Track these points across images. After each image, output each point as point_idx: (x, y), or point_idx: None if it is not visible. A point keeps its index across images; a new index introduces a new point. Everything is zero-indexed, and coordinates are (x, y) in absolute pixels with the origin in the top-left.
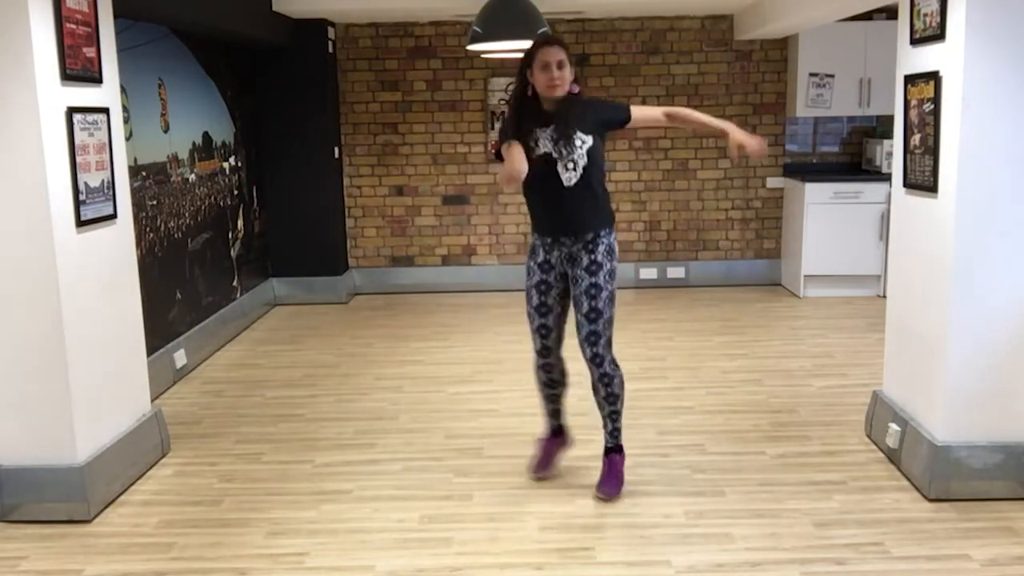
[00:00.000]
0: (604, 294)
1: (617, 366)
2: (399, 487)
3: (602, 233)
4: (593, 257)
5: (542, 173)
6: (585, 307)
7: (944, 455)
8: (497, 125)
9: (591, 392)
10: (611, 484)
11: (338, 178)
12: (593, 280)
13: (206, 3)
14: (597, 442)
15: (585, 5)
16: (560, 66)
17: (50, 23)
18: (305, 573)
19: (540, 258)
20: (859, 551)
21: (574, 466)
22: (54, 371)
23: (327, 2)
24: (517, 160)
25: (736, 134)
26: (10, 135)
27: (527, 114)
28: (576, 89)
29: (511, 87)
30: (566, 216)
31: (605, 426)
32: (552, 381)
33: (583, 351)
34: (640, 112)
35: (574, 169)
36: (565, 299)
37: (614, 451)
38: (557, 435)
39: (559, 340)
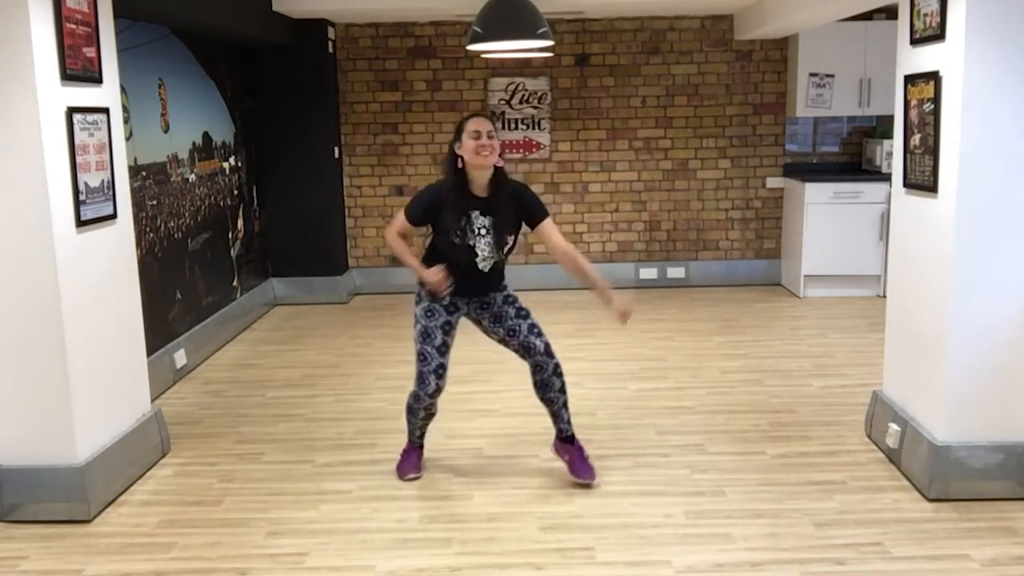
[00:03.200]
0: (531, 313)
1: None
2: (399, 487)
3: (504, 282)
4: (505, 293)
5: (460, 253)
6: (525, 326)
7: (944, 455)
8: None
9: (536, 392)
10: (587, 469)
11: (338, 178)
12: (519, 305)
13: (206, 3)
14: (598, 442)
15: (585, 5)
16: (490, 136)
17: (50, 23)
18: (305, 573)
19: (447, 301)
20: (859, 551)
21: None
22: (54, 371)
23: (327, 2)
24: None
25: (616, 299)
26: (10, 135)
27: (460, 197)
28: (500, 162)
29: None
30: (480, 284)
31: (561, 418)
32: (431, 415)
33: (532, 348)
34: (550, 231)
35: (489, 259)
36: (452, 340)
37: (573, 437)
38: (421, 447)
39: (446, 381)
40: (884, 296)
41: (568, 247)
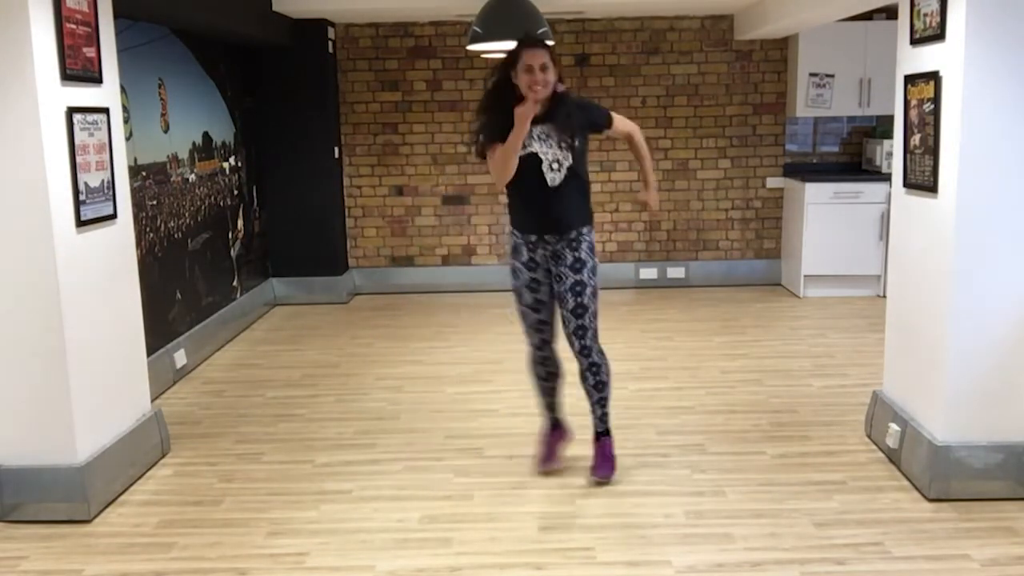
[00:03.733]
0: (588, 290)
1: (604, 355)
2: (399, 487)
3: (584, 231)
4: (577, 255)
5: (526, 172)
6: (571, 303)
7: (944, 455)
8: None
9: (579, 380)
10: (606, 467)
11: (338, 178)
12: (578, 277)
13: (206, 3)
14: None
15: (585, 5)
16: (543, 69)
17: (50, 23)
18: (305, 573)
19: (524, 257)
20: (859, 551)
21: (574, 466)
22: (54, 371)
23: (327, 2)
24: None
25: (651, 193)
26: (10, 135)
27: (511, 112)
28: (561, 87)
29: (491, 81)
30: (550, 215)
31: (594, 412)
32: (549, 375)
33: (571, 344)
34: (618, 123)
35: (559, 170)
36: (554, 294)
37: (604, 434)
38: (556, 428)
39: (554, 333)
40: (884, 296)
41: (629, 130)
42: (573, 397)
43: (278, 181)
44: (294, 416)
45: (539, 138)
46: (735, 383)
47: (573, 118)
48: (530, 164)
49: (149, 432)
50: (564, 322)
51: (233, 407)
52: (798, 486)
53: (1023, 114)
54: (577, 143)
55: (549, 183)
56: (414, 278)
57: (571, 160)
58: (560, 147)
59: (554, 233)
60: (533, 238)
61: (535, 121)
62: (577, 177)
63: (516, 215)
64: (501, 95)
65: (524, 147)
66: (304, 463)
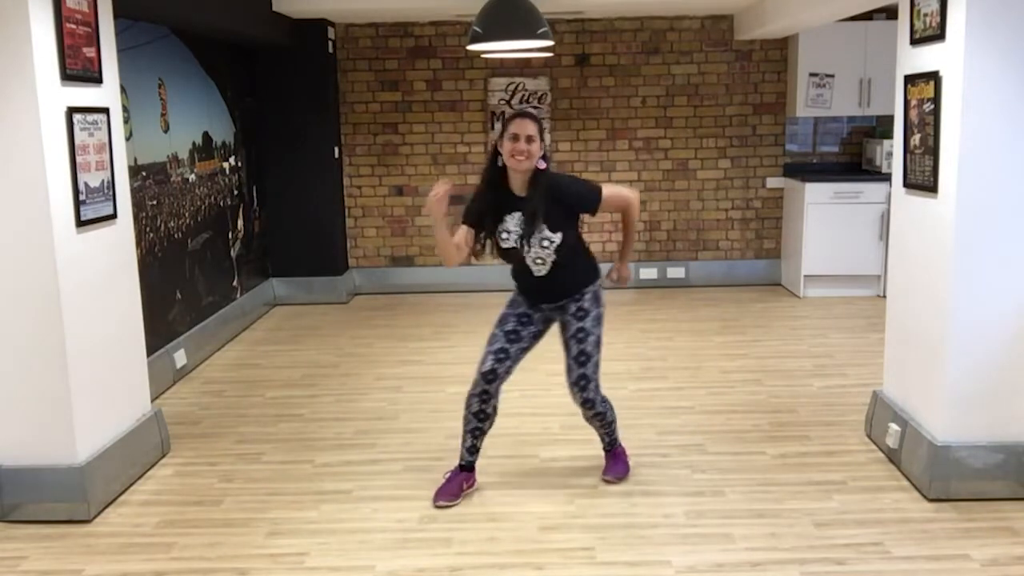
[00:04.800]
0: (592, 338)
1: (607, 402)
2: (399, 487)
3: (586, 289)
4: (580, 304)
5: (514, 259)
6: (575, 351)
7: (944, 455)
8: (497, 126)
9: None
10: (619, 468)
11: (338, 178)
12: (580, 324)
13: (206, 3)
14: (597, 442)
15: (585, 5)
16: (529, 140)
17: (50, 23)
18: (305, 573)
19: (525, 307)
20: (859, 551)
21: (574, 466)
22: (54, 371)
23: (327, 2)
24: (451, 248)
25: (625, 267)
26: (10, 135)
27: (497, 196)
28: (543, 165)
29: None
30: (545, 294)
31: (602, 439)
32: (484, 414)
33: (573, 394)
34: (610, 200)
35: (543, 264)
36: (534, 342)
37: (614, 447)
38: (468, 470)
39: (508, 373)
40: (884, 296)
41: (624, 204)
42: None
43: (278, 181)
44: (294, 416)
45: (518, 232)
46: (735, 383)
47: (540, 214)
48: (514, 254)
49: (149, 432)
50: (568, 370)
51: (233, 407)
52: (798, 486)
53: (1023, 114)
54: (548, 243)
55: (535, 274)
56: (414, 278)
57: (554, 256)
58: (540, 246)
59: (551, 302)
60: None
61: (515, 208)
62: (565, 259)
63: (515, 280)
64: (491, 168)
65: (507, 238)
66: (304, 463)
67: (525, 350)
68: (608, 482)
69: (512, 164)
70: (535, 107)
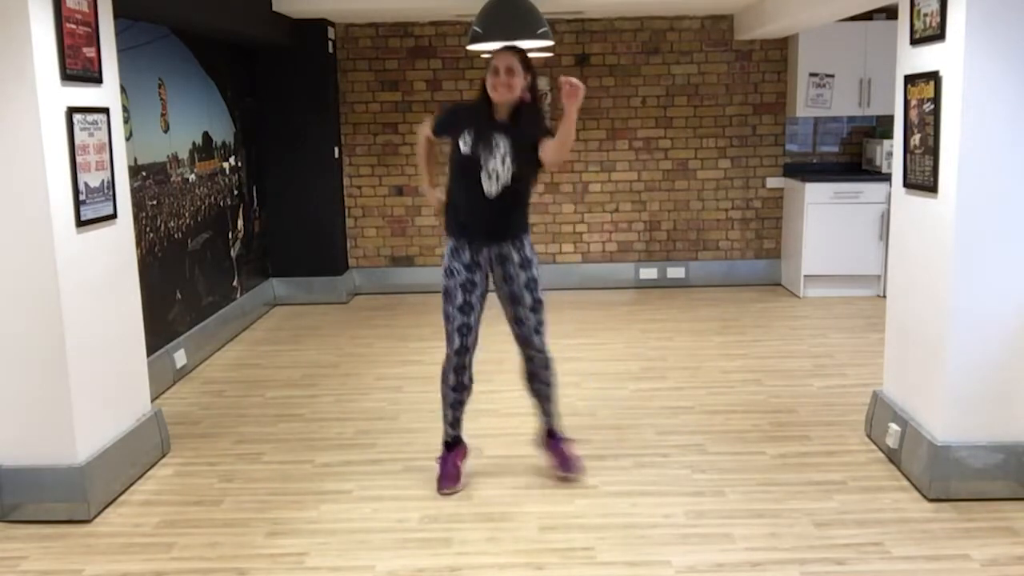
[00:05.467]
0: (539, 286)
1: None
2: (399, 487)
3: (524, 236)
4: (523, 254)
5: (466, 173)
6: (528, 300)
7: (944, 455)
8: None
9: (525, 383)
10: (573, 464)
11: (338, 178)
12: (529, 274)
13: (206, 3)
14: (598, 442)
15: (585, 5)
16: (509, 72)
17: (50, 23)
18: (305, 573)
19: (467, 259)
20: (859, 551)
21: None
22: (54, 371)
23: (327, 2)
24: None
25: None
26: (10, 135)
27: (481, 117)
28: (528, 98)
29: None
30: (487, 224)
31: (547, 411)
32: (461, 385)
33: (529, 342)
34: (546, 147)
35: (496, 181)
36: (484, 300)
37: (557, 431)
38: (457, 445)
39: (475, 341)
40: (884, 296)
41: (553, 156)
42: (574, 397)
43: (278, 181)
44: (294, 416)
45: (494, 146)
46: (735, 383)
47: (526, 139)
48: (470, 166)
49: (149, 432)
50: (519, 321)
51: (233, 407)
52: (798, 486)
53: (1023, 114)
54: (524, 169)
55: (485, 192)
56: (414, 278)
57: (509, 179)
58: (504, 160)
59: (497, 242)
60: (477, 241)
61: (495, 128)
62: (515, 192)
63: (455, 218)
64: (480, 103)
65: (473, 148)
66: (304, 463)
67: (480, 312)
68: (571, 479)
69: (493, 96)
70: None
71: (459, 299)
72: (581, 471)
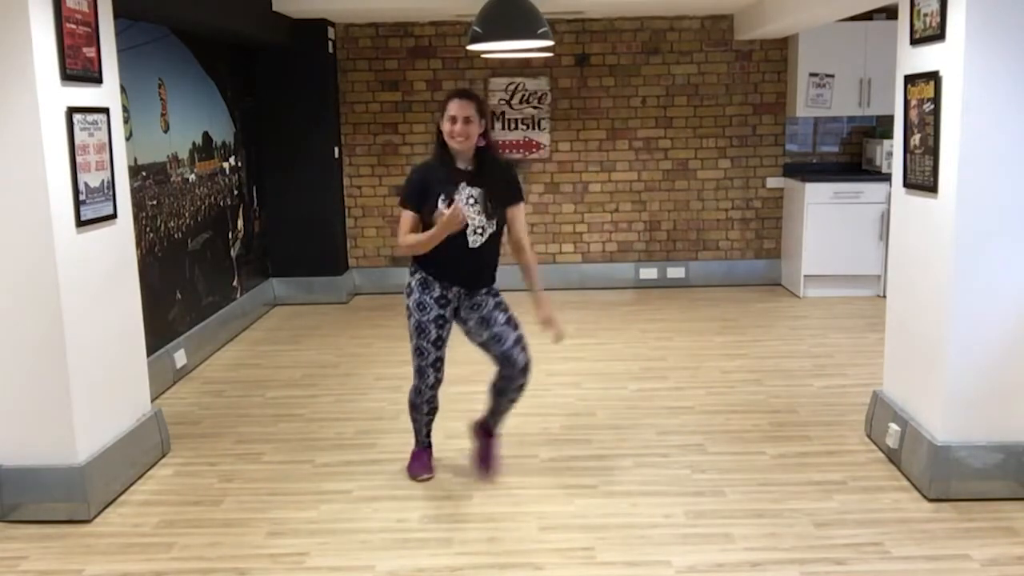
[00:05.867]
0: (510, 308)
1: None
2: (399, 487)
3: (494, 286)
4: (498, 299)
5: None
6: (502, 318)
7: (944, 455)
8: (497, 125)
9: (490, 390)
10: (494, 464)
11: (338, 178)
12: (498, 299)
13: (206, 3)
14: (598, 442)
15: (585, 5)
16: (467, 121)
17: (50, 23)
18: (305, 573)
19: (436, 292)
20: (859, 551)
21: (574, 466)
22: (54, 371)
23: (327, 2)
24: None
25: (546, 307)
26: (10, 135)
27: (447, 170)
28: (482, 143)
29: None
30: (466, 273)
31: (498, 417)
32: (433, 410)
33: (514, 361)
34: (518, 218)
35: (482, 235)
36: (449, 334)
37: (495, 431)
38: (428, 448)
39: (444, 373)
40: (884, 296)
41: (525, 241)
42: (573, 398)
43: (278, 181)
44: (294, 416)
45: (467, 201)
46: (735, 383)
47: (500, 191)
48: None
49: (149, 432)
50: (498, 339)
51: (233, 407)
52: (798, 486)
53: (1023, 114)
54: (500, 215)
55: (470, 245)
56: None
57: (494, 228)
58: (485, 213)
59: (473, 286)
60: (452, 287)
61: (464, 182)
62: (495, 243)
63: (430, 265)
64: (437, 147)
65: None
66: (304, 463)
67: (447, 344)
68: (482, 476)
69: (451, 144)
70: (535, 106)
71: (433, 334)
72: (497, 474)
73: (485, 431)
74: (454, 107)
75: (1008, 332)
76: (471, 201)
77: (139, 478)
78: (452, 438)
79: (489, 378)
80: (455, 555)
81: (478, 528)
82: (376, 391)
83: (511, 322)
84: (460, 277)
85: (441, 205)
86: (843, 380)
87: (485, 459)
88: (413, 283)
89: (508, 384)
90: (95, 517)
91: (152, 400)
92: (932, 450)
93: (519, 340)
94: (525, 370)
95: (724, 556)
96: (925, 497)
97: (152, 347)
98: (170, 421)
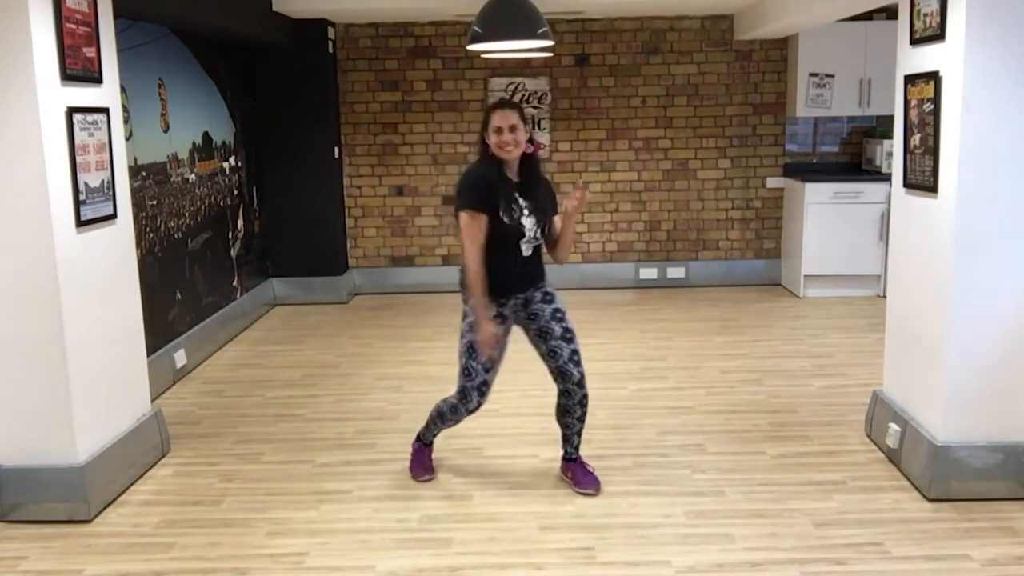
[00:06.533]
0: (568, 315)
1: None
2: (399, 487)
3: (547, 278)
4: (544, 290)
5: (506, 240)
6: (559, 330)
7: (944, 455)
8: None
9: (556, 415)
10: (592, 480)
11: (338, 178)
12: (556, 306)
13: (206, 3)
14: (598, 442)
15: (585, 5)
16: (512, 129)
17: (50, 23)
18: (305, 573)
19: (492, 313)
20: (859, 551)
21: None
22: (54, 371)
23: (327, 2)
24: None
25: (571, 208)
26: (10, 135)
27: (498, 180)
28: (530, 149)
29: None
30: (518, 278)
31: (571, 442)
32: (458, 422)
33: (568, 375)
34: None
35: (534, 241)
36: (504, 354)
37: (575, 455)
38: (431, 444)
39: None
40: (884, 296)
41: (563, 252)
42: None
43: (278, 181)
44: (294, 416)
45: (526, 212)
46: (735, 383)
47: (547, 202)
48: (512, 234)
49: (149, 432)
50: (553, 354)
51: (233, 407)
52: (798, 486)
53: (1023, 114)
54: (547, 224)
55: (524, 254)
56: (414, 278)
57: (543, 237)
58: (539, 227)
59: (525, 292)
60: (508, 300)
61: (516, 190)
62: (540, 247)
63: (488, 279)
64: (483, 158)
65: (510, 215)
66: (304, 463)
67: (499, 367)
68: (589, 495)
69: (502, 155)
70: (535, 106)
71: (484, 355)
72: (597, 484)
73: (569, 461)
74: (498, 118)
75: (1008, 332)
76: (526, 212)
77: (139, 478)
78: (452, 438)
79: (516, 376)
80: (455, 555)
81: (478, 528)
82: (376, 391)
83: (566, 336)
84: (516, 284)
85: (506, 218)
86: (843, 380)
87: (582, 483)
88: (468, 309)
89: (568, 400)
90: (95, 517)
91: (152, 400)
92: (932, 450)
93: (573, 354)
94: (580, 383)
95: (724, 556)
96: (925, 497)
97: (152, 347)
98: (170, 421)
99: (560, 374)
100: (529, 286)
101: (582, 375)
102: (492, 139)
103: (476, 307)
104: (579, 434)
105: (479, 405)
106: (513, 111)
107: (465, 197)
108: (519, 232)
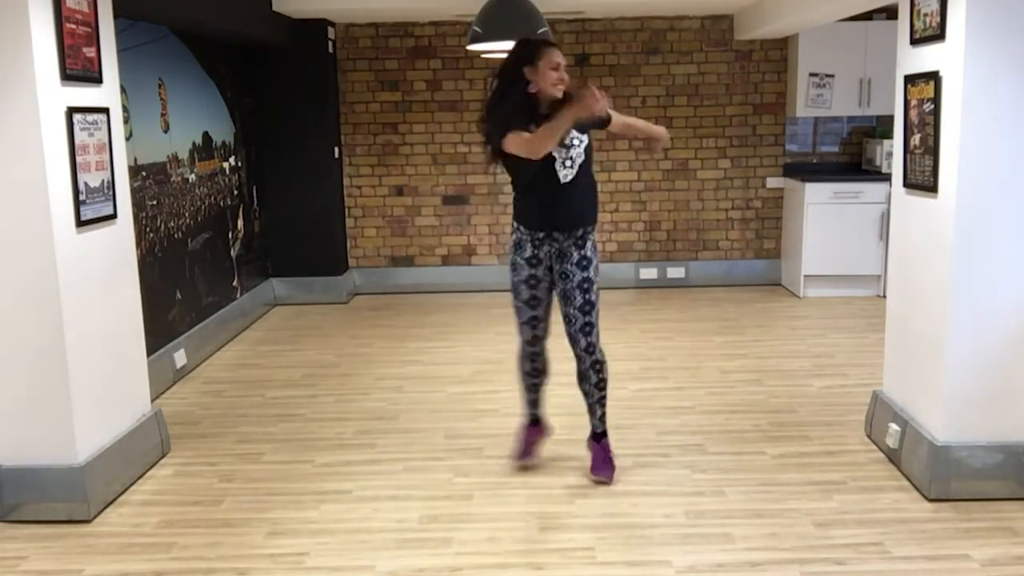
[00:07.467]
0: (594, 287)
1: (604, 354)
2: (399, 487)
3: (590, 228)
4: (583, 252)
5: (540, 170)
6: (579, 301)
7: (944, 455)
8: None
9: (576, 382)
10: (607, 468)
11: (338, 178)
12: (585, 275)
13: (206, 3)
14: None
15: (585, 5)
16: (561, 67)
17: (50, 23)
18: (305, 573)
19: (528, 253)
20: (859, 551)
21: (574, 466)
22: (54, 371)
23: (327, 2)
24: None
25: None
26: (10, 135)
27: (528, 111)
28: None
29: (496, 83)
30: (562, 211)
31: (594, 412)
32: (536, 371)
33: (576, 342)
34: (617, 117)
35: (571, 166)
36: (551, 292)
37: (603, 435)
38: (536, 424)
39: (547, 330)
40: (884, 296)
41: (627, 120)
42: (572, 398)
43: (278, 181)
44: (294, 416)
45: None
46: (735, 383)
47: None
48: (543, 163)
49: (149, 432)
50: (569, 320)
51: (233, 407)
52: (798, 486)
53: (1022, 114)
54: (579, 142)
55: (561, 179)
56: (414, 278)
57: (583, 157)
58: (572, 145)
59: (563, 230)
60: (540, 235)
61: (545, 119)
62: (587, 174)
63: (525, 212)
64: (514, 93)
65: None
66: (304, 463)
67: (549, 304)
68: (599, 483)
69: (554, 92)
70: None
71: (525, 294)
72: (611, 478)
73: (593, 437)
74: (556, 55)
75: (1008, 332)
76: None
77: (139, 478)
78: (452, 438)
79: (550, 409)
80: (455, 555)
81: (478, 528)
82: (376, 391)
83: (584, 307)
84: (559, 220)
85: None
86: (843, 380)
87: (596, 468)
88: (509, 243)
89: (580, 365)
90: (95, 517)
91: (152, 400)
92: (932, 450)
93: (585, 325)
94: (588, 350)
95: (724, 556)
96: (925, 497)
97: (152, 347)
98: (170, 421)
99: (570, 339)
100: (569, 225)
101: (589, 344)
102: (548, 75)
103: (566, 117)
104: (600, 404)
105: (535, 338)
106: (558, 49)
107: (504, 117)
108: (548, 158)
